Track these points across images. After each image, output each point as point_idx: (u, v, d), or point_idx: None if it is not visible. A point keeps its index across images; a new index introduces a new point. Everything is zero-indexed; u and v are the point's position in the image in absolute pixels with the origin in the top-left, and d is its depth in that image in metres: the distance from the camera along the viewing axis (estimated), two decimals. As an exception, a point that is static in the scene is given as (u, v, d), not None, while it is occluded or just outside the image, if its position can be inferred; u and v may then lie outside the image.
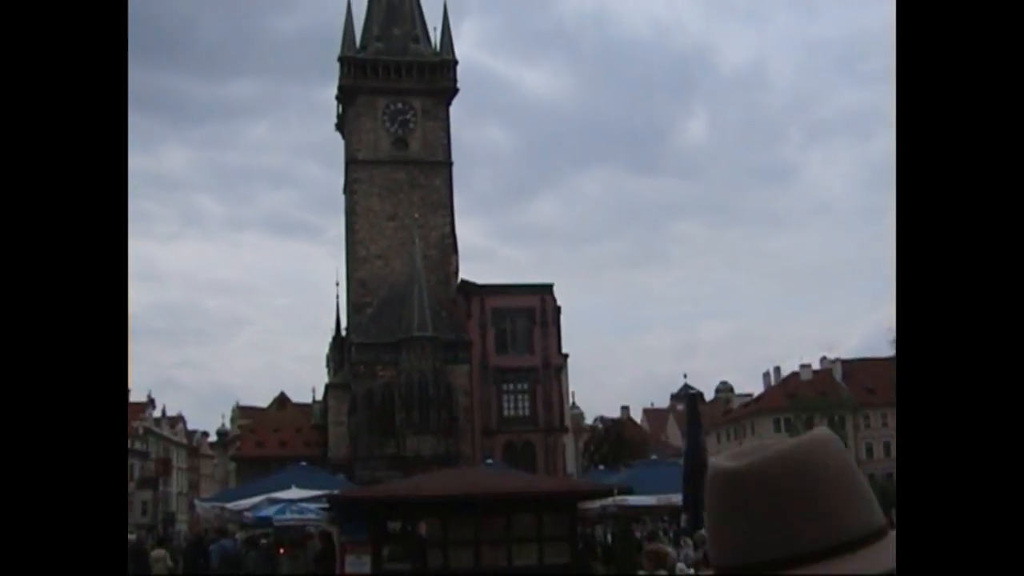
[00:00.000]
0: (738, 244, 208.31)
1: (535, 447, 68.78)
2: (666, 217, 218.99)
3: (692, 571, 15.13)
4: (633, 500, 27.27)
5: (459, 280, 73.09)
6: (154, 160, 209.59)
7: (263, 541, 29.17)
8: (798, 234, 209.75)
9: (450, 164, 75.84)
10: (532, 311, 70.68)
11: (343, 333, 78.17)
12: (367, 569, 21.21)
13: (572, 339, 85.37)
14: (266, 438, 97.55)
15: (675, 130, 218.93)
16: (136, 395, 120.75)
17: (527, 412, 69.92)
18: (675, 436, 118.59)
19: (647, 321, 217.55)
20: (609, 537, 33.15)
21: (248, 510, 30.36)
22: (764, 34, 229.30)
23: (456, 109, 77.35)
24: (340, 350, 77.09)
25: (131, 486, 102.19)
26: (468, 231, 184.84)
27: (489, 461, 47.20)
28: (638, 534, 27.81)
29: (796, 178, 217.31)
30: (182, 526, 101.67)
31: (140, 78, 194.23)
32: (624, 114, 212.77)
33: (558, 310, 71.41)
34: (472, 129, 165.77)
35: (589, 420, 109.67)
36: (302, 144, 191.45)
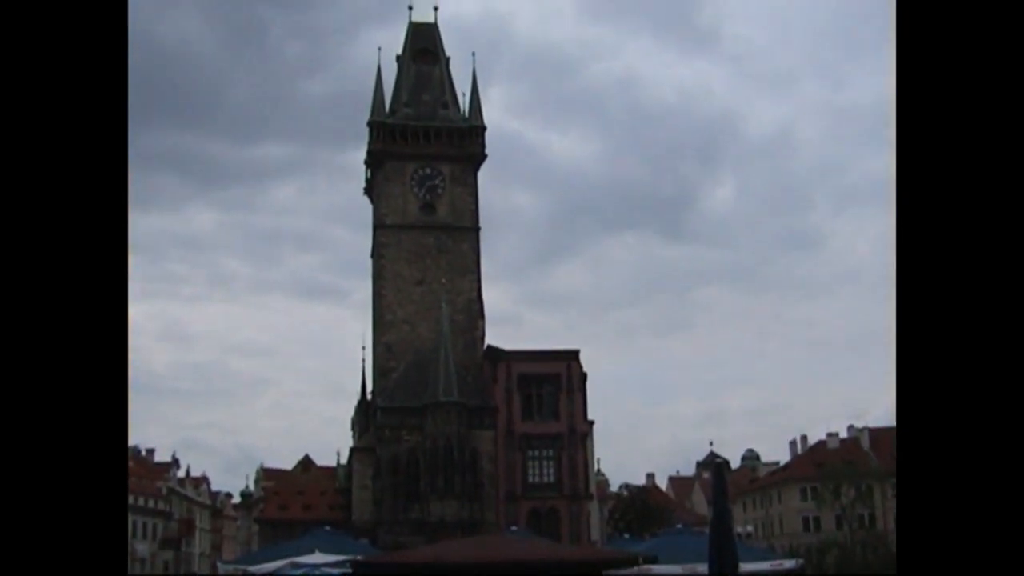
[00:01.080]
0: (765, 311, 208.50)
1: (560, 514, 68.26)
2: (693, 284, 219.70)
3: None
4: (659, 569, 26.99)
5: (485, 345, 73.13)
6: (182, 221, 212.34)
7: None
8: (826, 301, 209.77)
9: (477, 229, 76.20)
10: (558, 377, 70.52)
11: (369, 397, 78.18)
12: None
13: (598, 405, 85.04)
14: (290, 501, 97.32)
15: (702, 197, 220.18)
16: (161, 455, 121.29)
17: (552, 478, 69.49)
18: (701, 504, 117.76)
19: (673, 388, 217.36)
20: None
21: (271, 574, 30.28)
22: (791, 101, 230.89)
23: (484, 174, 77.95)
24: (365, 414, 77.06)
25: (153, 546, 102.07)
26: (495, 296, 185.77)
27: (513, 528, 46.94)
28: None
29: (824, 245, 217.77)
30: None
31: (170, 140, 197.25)
32: (651, 180, 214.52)
33: (584, 376, 71.17)
34: (500, 194, 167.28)
35: (615, 487, 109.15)
36: (329, 207, 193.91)
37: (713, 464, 58.24)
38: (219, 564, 50.42)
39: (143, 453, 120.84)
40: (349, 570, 25.45)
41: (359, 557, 27.77)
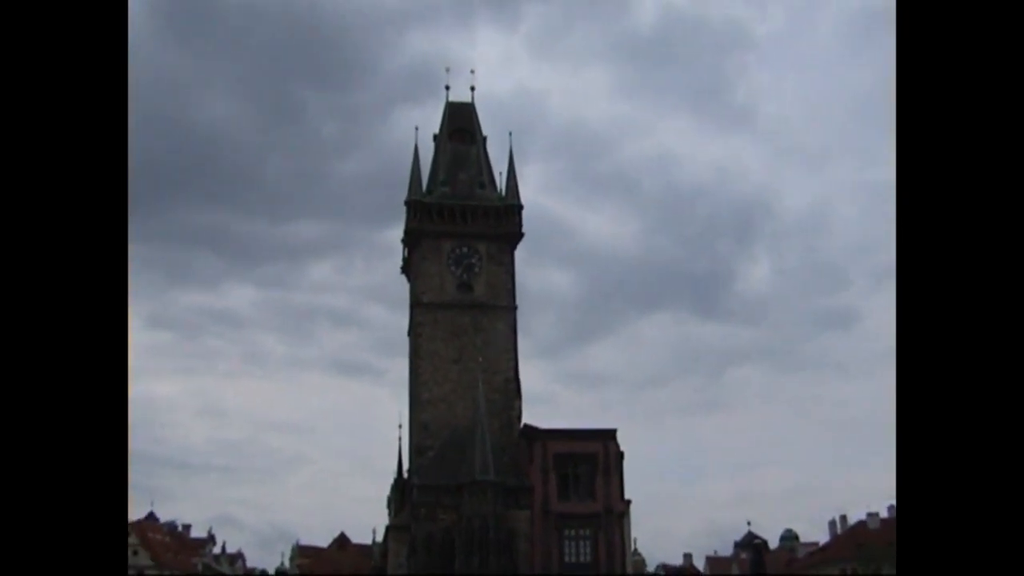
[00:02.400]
0: (802, 391, 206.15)
1: (596, 595, 67.57)
2: (729, 363, 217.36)
3: None
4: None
5: (522, 424, 72.87)
6: (218, 298, 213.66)
7: None
8: (863, 380, 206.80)
9: (514, 308, 76.30)
10: (595, 456, 70.13)
11: (405, 475, 77.97)
12: None
13: (634, 484, 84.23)
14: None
15: (738, 275, 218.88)
16: (197, 531, 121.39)
17: (589, 559, 68.82)
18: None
19: (710, 467, 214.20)
20: None
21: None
22: (826, 179, 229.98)
23: (520, 252, 78.23)
24: (401, 492, 76.76)
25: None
26: (531, 374, 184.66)
27: (550, 611, 46.64)
28: None
29: (860, 324, 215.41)
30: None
31: (207, 217, 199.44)
32: (687, 259, 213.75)
33: (621, 456, 70.72)
34: (535, 272, 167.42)
35: (651, 567, 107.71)
36: (366, 285, 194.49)
37: (751, 544, 57.72)
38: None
39: (179, 528, 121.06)
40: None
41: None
